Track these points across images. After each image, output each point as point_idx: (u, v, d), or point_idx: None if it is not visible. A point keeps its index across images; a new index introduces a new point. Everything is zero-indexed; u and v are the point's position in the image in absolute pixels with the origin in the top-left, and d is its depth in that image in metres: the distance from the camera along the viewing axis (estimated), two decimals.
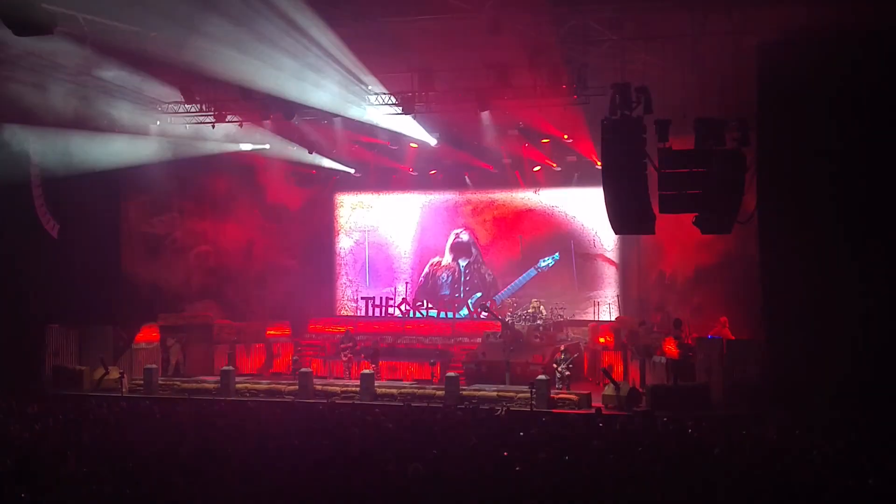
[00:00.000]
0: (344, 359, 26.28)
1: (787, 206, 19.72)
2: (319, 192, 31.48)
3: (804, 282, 19.46)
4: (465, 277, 30.14)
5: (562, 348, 24.41)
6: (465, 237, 30.71)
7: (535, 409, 20.94)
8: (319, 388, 24.11)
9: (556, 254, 29.28)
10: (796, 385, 19.37)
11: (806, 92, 19.17)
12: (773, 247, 20.08)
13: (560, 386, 23.13)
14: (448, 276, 30.07)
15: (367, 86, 24.24)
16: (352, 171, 30.68)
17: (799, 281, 19.56)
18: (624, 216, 20.20)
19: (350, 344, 26.50)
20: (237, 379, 24.84)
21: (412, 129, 26.56)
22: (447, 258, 30.76)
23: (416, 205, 31.28)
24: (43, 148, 24.49)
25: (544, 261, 29.30)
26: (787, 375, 19.78)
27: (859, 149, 18.85)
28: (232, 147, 28.23)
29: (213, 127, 26.50)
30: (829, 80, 18.96)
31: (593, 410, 20.79)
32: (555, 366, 23.71)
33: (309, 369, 24.95)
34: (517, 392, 22.51)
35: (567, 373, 23.41)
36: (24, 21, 15.91)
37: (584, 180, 27.83)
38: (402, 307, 29.33)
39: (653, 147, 19.52)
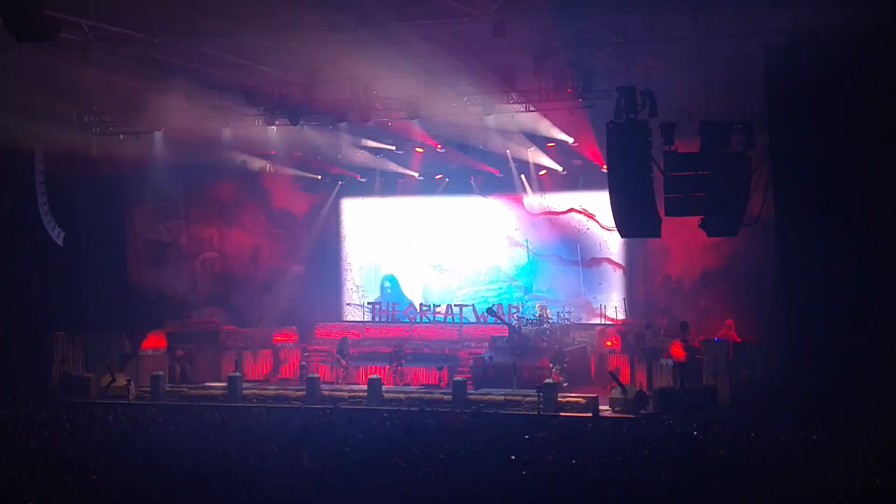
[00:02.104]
0: (343, 365, 26.28)
1: (801, 208, 19.64)
2: (325, 197, 31.49)
3: (817, 283, 19.38)
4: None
5: (556, 348, 24.61)
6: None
7: (542, 413, 20.95)
8: (327, 393, 24.09)
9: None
10: (806, 387, 19.29)
11: (815, 93, 19.10)
12: (786, 249, 20.02)
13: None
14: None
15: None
16: (357, 176, 30.71)
17: (812, 283, 19.47)
18: (630, 219, 20.17)
19: (347, 351, 26.51)
20: (244, 385, 24.81)
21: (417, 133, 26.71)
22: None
23: (423, 209, 31.27)
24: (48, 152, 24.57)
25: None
26: (798, 377, 19.69)
27: (872, 148, 18.76)
28: (238, 156, 28.30)
29: (220, 132, 26.59)
30: (838, 80, 18.89)
31: (590, 415, 20.77)
32: (551, 365, 23.84)
33: (316, 375, 24.94)
34: (524, 396, 22.50)
35: (561, 370, 23.51)
36: (26, 27, 15.89)
37: (589, 184, 27.77)
38: (409, 312, 29.33)
39: (658, 150, 19.50)
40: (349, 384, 25.57)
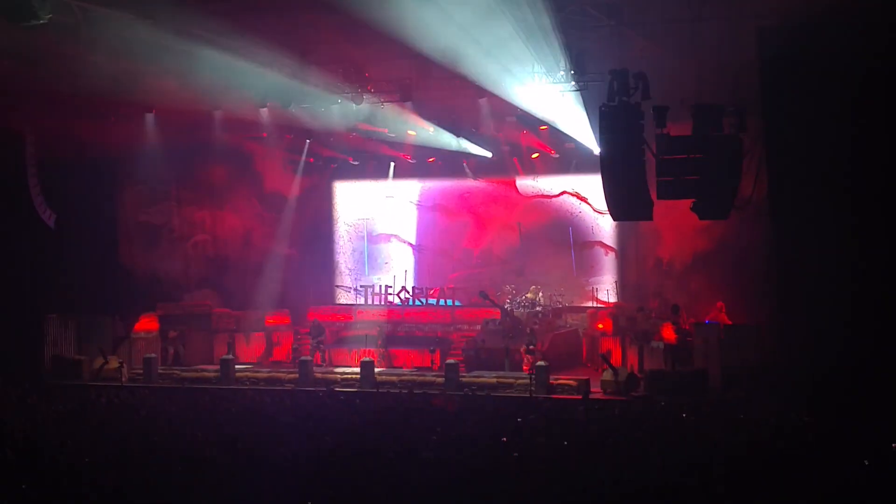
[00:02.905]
0: (311, 346, 26.43)
1: (795, 191, 19.63)
2: (317, 180, 31.41)
3: (809, 266, 19.39)
4: None
5: (526, 330, 24.78)
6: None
7: (534, 395, 21.00)
8: (319, 375, 24.13)
9: None
10: (798, 369, 19.33)
11: (809, 75, 19.08)
12: (780, 231, 20.03)
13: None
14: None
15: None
16: (350, 158, 30.65)
17: (804, 265, 19.49)
18: (622, 202, 20.22)
19: (317, 334, 26.60)
20: (237, 368, 24.86)
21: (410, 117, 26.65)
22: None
23: (415, 192, 31.24)
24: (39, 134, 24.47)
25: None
26: (790, 360, 19.73)
27: (866, 131, 18.73)
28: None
29: (212, 114, 26.56)
30: (832, 62, 18.83)
31: (581, 397, 20.79)
32: (521, 348, 23.96)
33: (309, 357, 24.98)
34: (516, 378, 22.58)
35: (528, 351, 23.80)
36: (17, 8, 15.85)
37: (582, 167, 27.74)
38: (402, 295, 29.35)
39: (651, 133, 19.52)
40: (329, 367, 25.60)
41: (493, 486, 11.65)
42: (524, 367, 23.71)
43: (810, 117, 19.07)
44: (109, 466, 13.21)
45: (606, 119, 19.65)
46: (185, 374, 25.06)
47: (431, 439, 14.31)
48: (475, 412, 17.66)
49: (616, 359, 23.82)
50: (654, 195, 19.69)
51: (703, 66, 20.83)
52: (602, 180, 20.06)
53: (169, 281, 28.21)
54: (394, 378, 23.57)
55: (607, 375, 21.90)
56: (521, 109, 25.98)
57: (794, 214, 19.44)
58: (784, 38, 19.34)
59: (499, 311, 26.22)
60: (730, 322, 23.00)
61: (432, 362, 25.17)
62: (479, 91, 23.91)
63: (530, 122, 26.98)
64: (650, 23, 21.69)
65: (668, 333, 22.97)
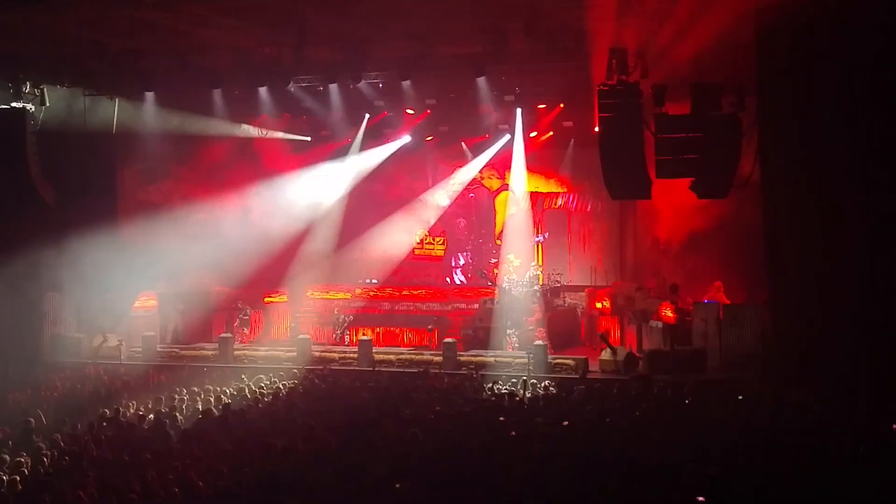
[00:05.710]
0: (235, 324, 26.75)
1: (789, 170, 19.62)
2: (316, 158, 31.34)
3: (803, 246, 19.41)
4: None
5: (513, 314, 24.82)
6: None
7: (532, 375, 21.03)
8: (317, 354, 24.18)
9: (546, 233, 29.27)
10: (795, 349, 19.36)
11: (806, 55, 19.05)
12: (775, 210, 20.04)
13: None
14: None
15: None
16: (349, 140, 30.55)
17: (801, 244, 19.50)
18: (621, 181, 20.22)
19: (241, 313, 26.97)
20: (235, 346, 24.91)
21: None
22: None
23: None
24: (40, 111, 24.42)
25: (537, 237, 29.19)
26: (787, 339, 19.76)
27: (861, 110, 18.71)
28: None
29: (211, 93, 26.46)
30: (828, 43, 18.81)
31: (579, 376, 20.85)
32: (508, 332, 24.17)
33: (307, 336, 25.02)
34: (514, 357, 22.62)
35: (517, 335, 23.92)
36: None
37: (580, 146, 27.72)
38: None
39: (649, 112, 19.50)
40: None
41: (490, 466, 11.70)
42: (509, 347, 23.87)
43: (805, 97, 19.06)
44: (108, 443, 13.29)
45: (605, 98, 19.64)
46: (183, 351, 25.12)
47: (429, 418, 14.37)
48: (472, 390, 17.74)
49: (614, 338, 23.84)
50: (652, 174, 19.69)
51: (702, 45, 20.74)
52: (601, 159, 20.05)
53: (168, 259, 28.18)
54: (392, 357, 23.62)
55: (606, 355, 21.94)
56: (518, 88, 25.97)
57: (788, 193, 19.44)
58: (781, 18, 19.28)
59: (497, 289, 26.24)
60: (728, 302, 23.02)
61: (430, 341, 25.22)
62: (478, 70, 23.83)
63: (528, 101, 26.94)
64: (649, 1, 21.59)
65: (667, 313, 23.00)
